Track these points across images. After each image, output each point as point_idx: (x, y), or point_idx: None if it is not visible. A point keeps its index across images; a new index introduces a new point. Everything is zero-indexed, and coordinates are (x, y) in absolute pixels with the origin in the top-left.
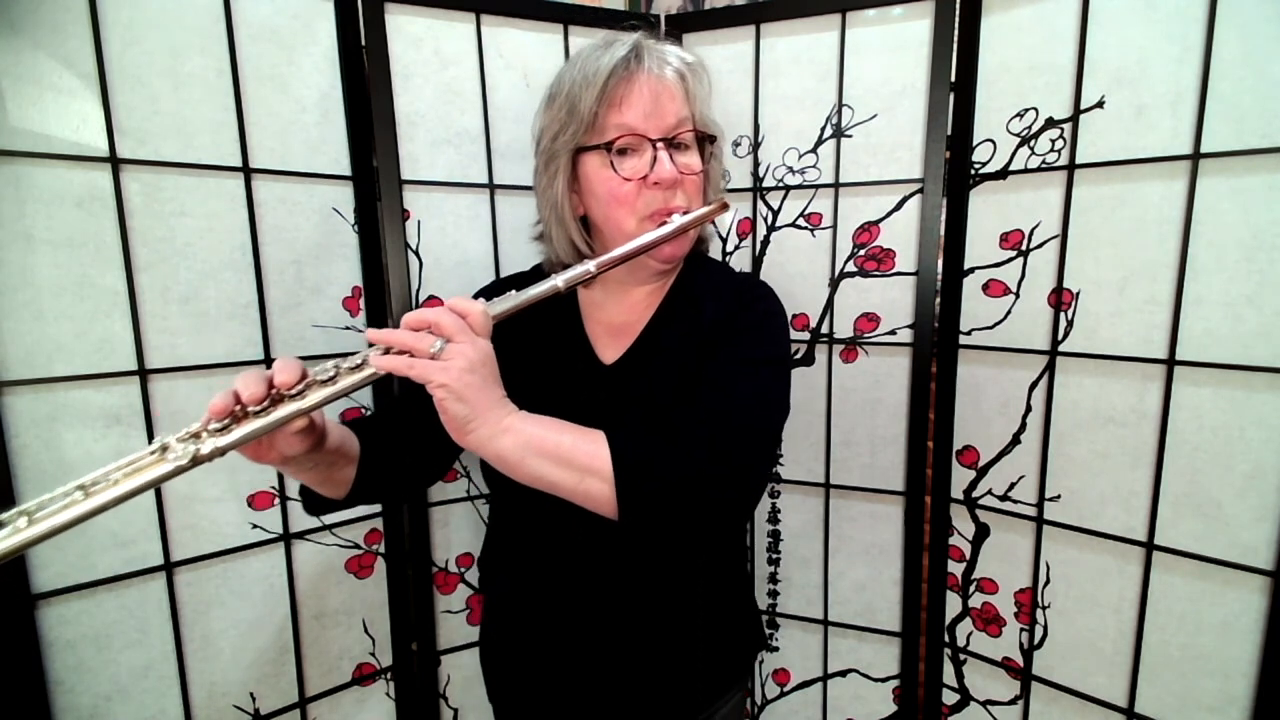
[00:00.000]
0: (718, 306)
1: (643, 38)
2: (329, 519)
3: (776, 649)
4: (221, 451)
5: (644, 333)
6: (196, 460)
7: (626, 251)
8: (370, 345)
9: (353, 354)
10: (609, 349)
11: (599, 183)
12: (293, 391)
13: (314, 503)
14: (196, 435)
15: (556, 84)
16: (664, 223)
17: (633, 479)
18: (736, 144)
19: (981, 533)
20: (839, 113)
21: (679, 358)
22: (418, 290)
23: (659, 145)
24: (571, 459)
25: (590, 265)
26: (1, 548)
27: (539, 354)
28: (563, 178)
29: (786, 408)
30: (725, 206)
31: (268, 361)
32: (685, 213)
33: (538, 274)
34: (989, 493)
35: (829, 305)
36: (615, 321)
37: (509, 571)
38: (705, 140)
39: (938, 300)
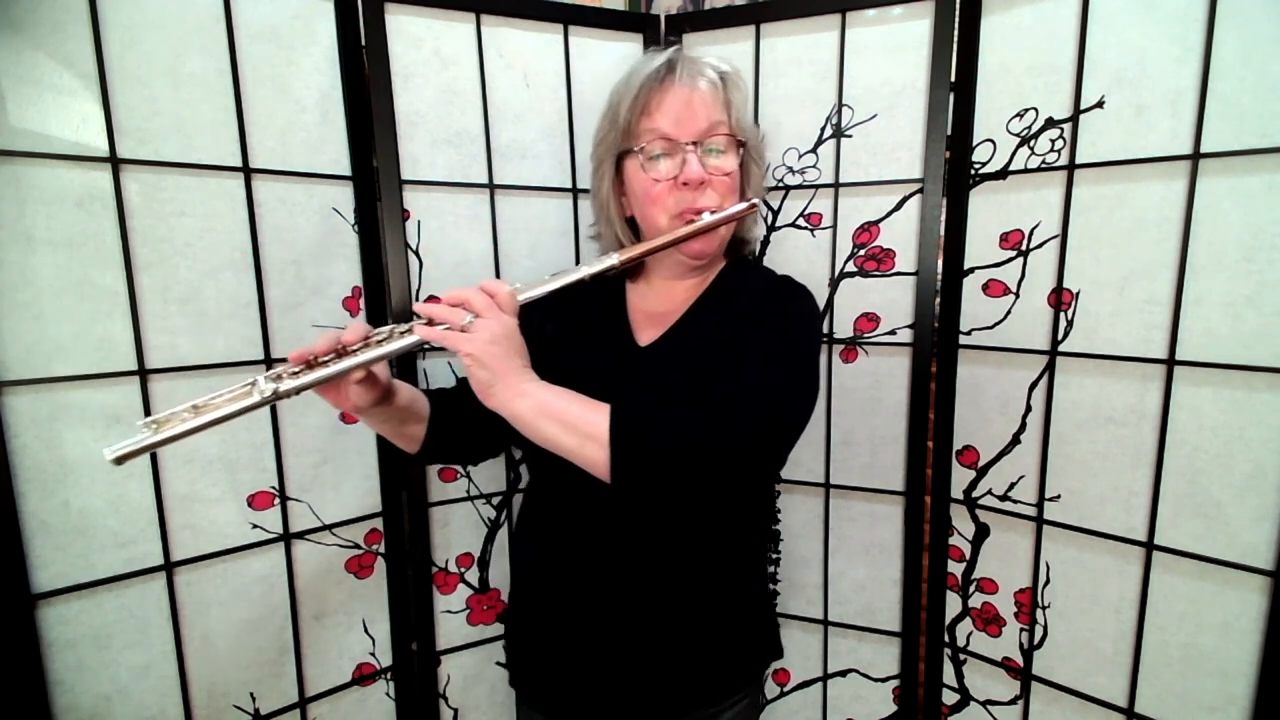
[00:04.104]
0: (752, 301)
1: (679, 52)
2: (329, 519)
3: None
4: (296, 391)
5: (679, 321)
6: (279, 395)
7: (649, 247)
8: (415, 316)
9: (405, 324)
10: (646, 333)
11: (636, 183)
12: (354, 348)
13: (397, 454)
14: (278, 377)
15: (610, 95)
16: (691, 220)
17: (624, 445)
18: None
19: (981, 533)
20: (839, 113)
21: (708, 344)
22: (418, 290)
23: (689, 148)
24: (575, 424)
25: (614, 259)
26: (136, 446)
27: (585, 334)
28: (609, 180)
29: (802, 401)
30: (753, 207)
31: (268, 362)
32: (714, 212)
33: (605, 282)
34: (989, 493)
35: (829, 305)
36: (656, 311)
37: (535, 539)
38: (741, 144)
39: (938, 300)
